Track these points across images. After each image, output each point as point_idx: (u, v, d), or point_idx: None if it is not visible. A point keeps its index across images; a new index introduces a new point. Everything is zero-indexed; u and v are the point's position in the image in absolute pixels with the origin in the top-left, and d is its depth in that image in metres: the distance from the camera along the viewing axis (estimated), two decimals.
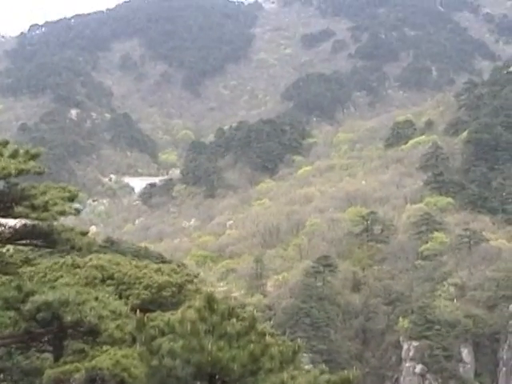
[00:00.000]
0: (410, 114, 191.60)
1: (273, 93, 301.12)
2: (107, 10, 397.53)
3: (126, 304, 26.01)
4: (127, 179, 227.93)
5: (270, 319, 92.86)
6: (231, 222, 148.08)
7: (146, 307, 27.33)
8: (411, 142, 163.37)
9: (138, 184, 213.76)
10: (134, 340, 20.01)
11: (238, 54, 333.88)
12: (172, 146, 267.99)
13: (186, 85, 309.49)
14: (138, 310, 19.36)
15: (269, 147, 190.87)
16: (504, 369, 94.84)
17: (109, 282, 29.41)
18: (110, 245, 71.10)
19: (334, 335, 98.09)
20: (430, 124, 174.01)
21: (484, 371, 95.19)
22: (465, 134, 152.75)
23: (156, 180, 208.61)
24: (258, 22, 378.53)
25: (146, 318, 20.51)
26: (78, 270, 28.80)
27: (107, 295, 24.13)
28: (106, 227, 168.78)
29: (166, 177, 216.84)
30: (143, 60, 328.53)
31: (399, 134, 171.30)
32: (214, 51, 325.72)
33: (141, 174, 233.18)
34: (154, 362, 19.14)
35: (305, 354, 77.29)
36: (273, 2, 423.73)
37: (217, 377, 19.33)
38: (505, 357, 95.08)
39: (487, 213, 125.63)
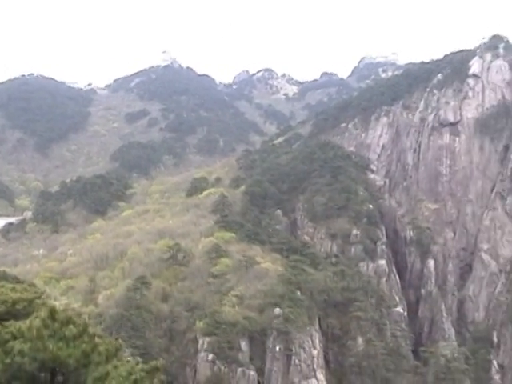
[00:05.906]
0: (205, 172, 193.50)
1: (103, 155, 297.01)
2: None
3: None
4: None
5: (100, 324, 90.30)
6: (71, 251, 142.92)
7: (2, 318, 25.90)
8: (205, 192, 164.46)
9: None
10: None
11: (78, 126, 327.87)
12: (25, 193, 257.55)
13: (37, 148, 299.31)
14: None
15: (100, 195, 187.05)
16: (270, 354, 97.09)
17: None
18: None
19: (149, 334, 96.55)
20: (218, 180, 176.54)
21: (256, 357, 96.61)
22: (243, 187, 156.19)
23: (13, 220, 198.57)
24: (93, 103, 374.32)
25: (1, 326, 19.46)
26: None
27: None
28: None
29: (20, 217, 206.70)
30: (3, 129, 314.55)
31: (196, 187, 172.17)
32: (59, 123, 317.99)
33: (0, 215, 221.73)
34: (7, 360, 18.26)
35: (126, 350, 75.46)
36: (104, 89, 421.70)
37: (57, 369, 18.69)
38: (270, 346, 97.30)
39: (259, 244, 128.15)
